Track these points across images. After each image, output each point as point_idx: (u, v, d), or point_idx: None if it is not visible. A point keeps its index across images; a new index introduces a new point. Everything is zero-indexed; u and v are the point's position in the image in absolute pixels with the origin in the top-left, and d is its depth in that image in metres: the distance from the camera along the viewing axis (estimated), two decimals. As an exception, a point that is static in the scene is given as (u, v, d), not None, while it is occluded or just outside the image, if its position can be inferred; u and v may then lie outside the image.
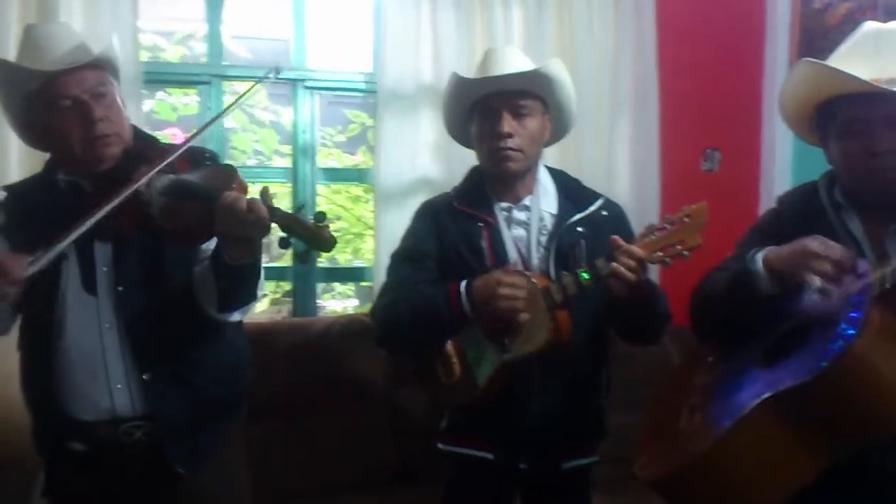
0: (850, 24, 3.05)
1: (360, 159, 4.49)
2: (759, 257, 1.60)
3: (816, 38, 3.28)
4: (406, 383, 2.30)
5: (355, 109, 4.54)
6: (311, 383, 2.74)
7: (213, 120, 1.94)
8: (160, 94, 4.07)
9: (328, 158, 4.39)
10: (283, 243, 1.61)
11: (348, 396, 2.78)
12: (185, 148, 1.75)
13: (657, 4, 3.20)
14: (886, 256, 1.60)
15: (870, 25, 1.73)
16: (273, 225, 1.60)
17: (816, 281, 1.48)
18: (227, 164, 1.93)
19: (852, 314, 1.44)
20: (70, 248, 1.74)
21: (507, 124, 1.95)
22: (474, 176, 2.12)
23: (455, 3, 2.99)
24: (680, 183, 3.24)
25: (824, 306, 1.49)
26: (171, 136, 3.71)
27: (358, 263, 4.24)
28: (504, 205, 2.04)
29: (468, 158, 2.16)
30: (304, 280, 3.16)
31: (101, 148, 1.74)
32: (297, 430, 2.71)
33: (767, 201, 3.23)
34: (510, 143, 1.96)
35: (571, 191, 2.09)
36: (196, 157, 1.81)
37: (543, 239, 2.00)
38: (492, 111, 1.98)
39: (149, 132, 2.02)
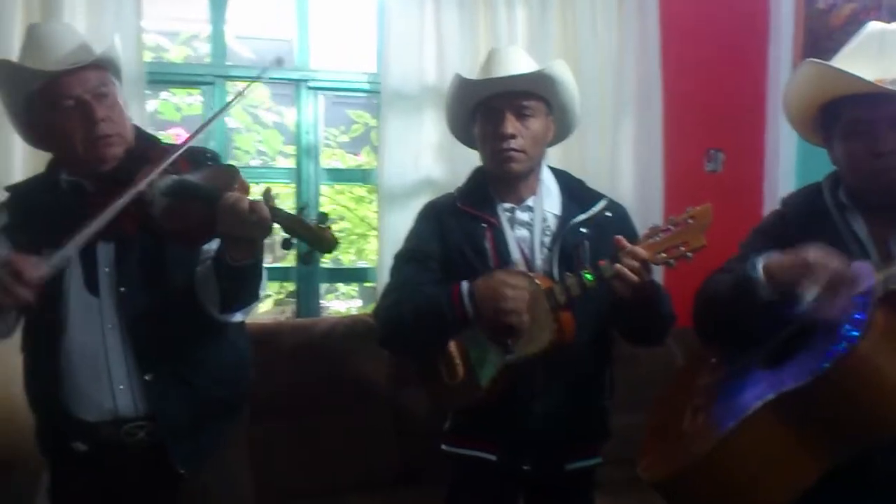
0: (854, 24, 3.03)
1: (363, 160, 4.49)
2: (760, 264, 1.60)
3: (821, 38, 3.27)
4: (409, 384, 2.30)
5: (359, 110, 4.54)
6: (314, 384, 2.74)
7: (219, 112, 1.94)
8: (164, 95, 4.07)
9: (332, 159, 4.39)
10: (286, 244, 1.61)
11: (352, 397, 2.78)
12: (185, 148, 1.74)
13: (661, 4, 3.19)
14: (891, 257, 1.60)
15: (874, 26, 1.73)
16: (276, 225, 1.60)
17: (811, 292, 1.48)
18: (228, 165, 1.93)
19: (856, 315, 1.43)
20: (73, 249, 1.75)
21: (511, 125, 1.95)
22: (477, 177, 2.12)
23: (459, 3, 2.98)
24: (683, 184, 3.24)
25: (823, 314, 1.48)
26: (175, 136, 3.70)
27: (361, 264, 4.24)
28: (507, 205, 2.04)
29: (472, 159, 2.16)
30: (307, 280, 3.16)
31: (104, 148, 1.74)
32: (300, 430, 2.71)
33: (771, 202, 3.23)
34: (513, 143, 1.96)
35: (575, 191, 2.09)
36: (197, 157, 1.81)
37: (547, 240, 2.00)
38: (495, 112, 1.97)
39: (152, 132, 2.02)
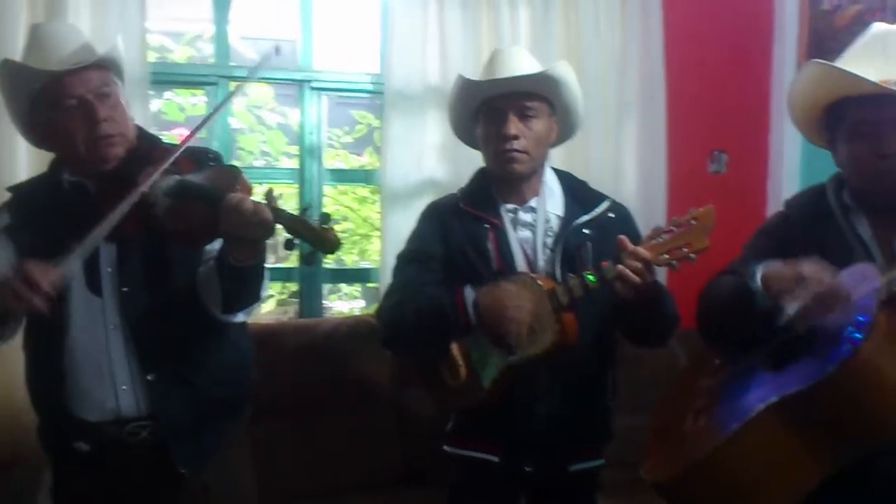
0: (859, 25, 3.03)
1: (366, 160, 4.49)
2: (759, 273, 1.59)
3: (825, 39, 3.26)
4: (412, 385, 2.30)
5: (362, 110, 4.54)
6: (317, 384, 2.74)
7: (219, 107, 1.94)
8: (168, 95, 4.08)
9: (335, 159, 4.39)
10: (289, 245, 1.61)
11: (354, 397, 2.78)
12: (186, 146, 1.74)
13: (664, 5, 3.19)
14: (895, 259, 1.59)
15: (879, 27, 1.73)
16: (279, 226, 1.60)
17: (792, 306, 1.47)
18: (231, 165, 1.93)
19: (860, 318, 1.43)
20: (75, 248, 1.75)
21: (513, 126, 1.95)
22: (480, 177, 2.11)
23: (462, 3, 2.98)
24: (687, 185, 3.23)
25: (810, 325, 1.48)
26: (179, 136, 3.70)
27: (364, 264, 4.24)
28: (510, 206, 2.03)
29: (475, 160, 2.16)
30: (310, 281, 3.16)
31: (106, 148, 1.74)
32: (303, 430, 2.70)
33: (775, 204, 3.22)
34: (516, 144, 1.95)
35: (578, 193, 2.08)
36: (200, 157, 1.81)
37: (549, 241, 1.99)
38: (498, 113, 1.97)
39: (156, 132, 2.02)
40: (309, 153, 3.11)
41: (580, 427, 1.99)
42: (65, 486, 1.90)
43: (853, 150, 1.67)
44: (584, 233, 1.98)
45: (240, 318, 1.89)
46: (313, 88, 3.09)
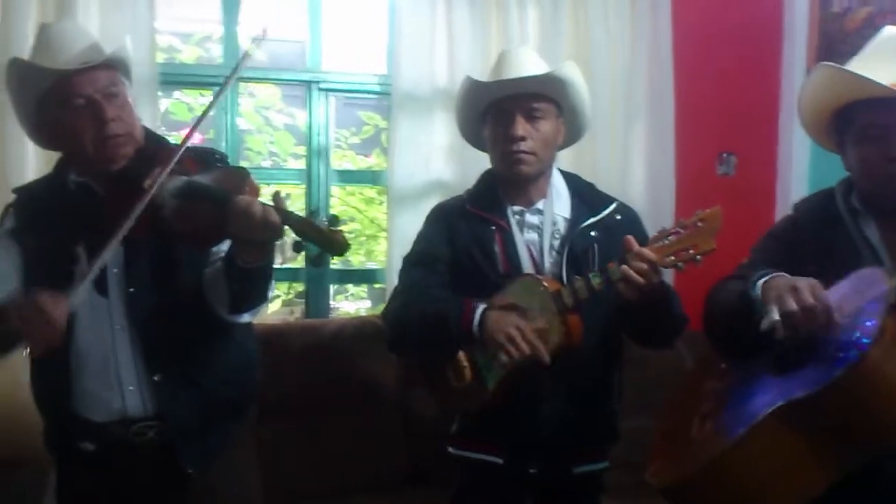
0: (869, 28, 3.03)
1: (373, 161, 4.49)
2: (761, 282, 1.59)
3: (835, 42, 3.25)
4: (418, 386, 2.30)
5: (369, 111, 4.55)
6: (323, 385, 2.74)
7: (215, 100, 1.90)
8: (177, 95, 4.09)
9: (342, 160, 4.40)
10: (297, 247, 1.61)
11: (360, 398, 2.78)
12: (189, 147, 1.74)
13: (673, 6, 3.18)
14: (903, 263, 1.58)
15: (890, 30, 1.72)
16: (287, 228, 1.60)
17: (774, 314, 1.47)
18: (239, 167, 1.94)
19: (867, 323, 1.42)
20: (81, 249, 1.75)
21: (521, 127, 1.95)
22: (487, 179, 2.11)
23: (470, 3, 2.98)
24: (695, 187, 3.22)
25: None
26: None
27: (371, 265, 4.24)
28: (517, 208, 2.03)
29: (482, 161, 2.15)
30: (317, 281, 3.16)
31: (113, 148, 1.74)
32: (308, 431, 2.71)
33: (784, 207, 3.20)
34: (523, 146, 1.95)
35: (585, 195, 2.08)
36: (206, 158, 1.81)
37: (556, 243, 1.99)
38: (505, 114, 1.97)
39: (165, 132, 2.02)
40: (316, 154, 3.11)
41: (585, 429, 1.99)
42: (70, 487, 1.90)
43: (862, 153, 1.66)
44: (590, 235, 1.98)
45: (246, 318, 1.90)
46: (321, 89, 3.09)
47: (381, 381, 2.78)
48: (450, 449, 2.08)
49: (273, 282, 1.85)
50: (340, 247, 1.57)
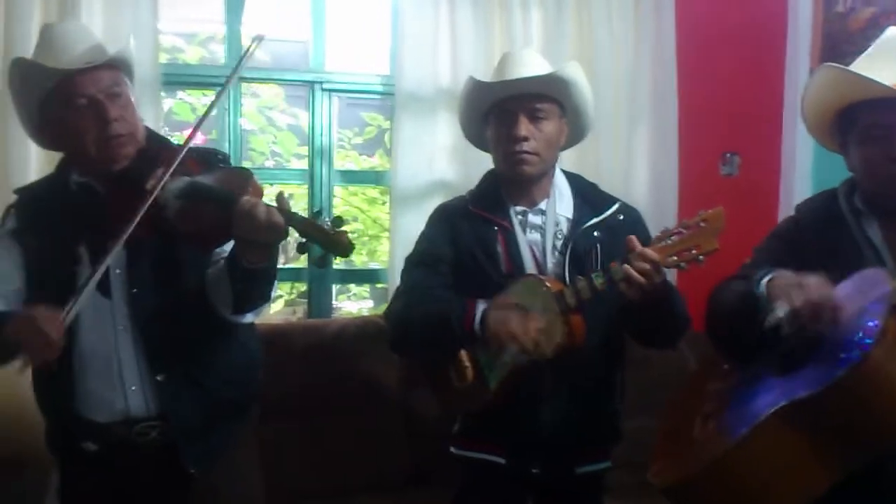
0: (873, 28, 3.02)
1: (376, 161, 4.49)
2: (765, 280, 1.59)
3: (839, 42, 3.24)
4: (420, 386, 2.30)
5: (372, 112, 4.55)
6: (325, 385, 2.74)
7: (216, 100, 1.91)
8: (180, 95, 4.09)
9: (345, 160, 4.40)
10: (302, 248, 1.61)
11: (362, 398, 2.78)
12: (191, 147, 1.74)
13: (677, 6, 3.18)
14: (906, 264, 1.58)
15: (893, 30, 1.72)
16: (291, 229, 1.60)
17: (782, 309, 1.47)
18: (242, 167, 1.94)
19: (870, 323, 1.42)
20: (83, 250, 1.75)
21: (524, 128, 1.95)
22: (490, 180, 2.11)
23: (473, 4, 2.98)
24: (699, 187, 3.22)
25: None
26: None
27: (373, 265, 4.25)
28: (520, 209, 2.03)
29: (485, 162, 2.15)
30: (319, 281, 3.16)
31: (116, 148, 1.74)
32: (311, 431, 2.70)
33: (787, 207, 3.20)
34: (526, 146, 1.95)
35: (588, 195, 2.08)
36: (208, 158, 1.81)
37: (559, 243, 1.99)
38: (508, 114, 1.97)
39: (168, 132, 2.02)
40: (319, 154, 3.11)
41: (588, 429, 1.99)
42: (72, 487, 1.90)
43: (865, 153, 1.66)
44: (593, 235, 1.98)
45: (249, 318, 1.90)
46: (324, 90, 3.09)
47: (383, 381, 2.78)
48: (452, 449, 2.08)
49: (276, 282, 1.84)
50: (344, 248, 1.57)
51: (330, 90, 3.11)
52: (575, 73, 2.01)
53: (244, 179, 1.67)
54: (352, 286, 4.66)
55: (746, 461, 1.49)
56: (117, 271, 1.77)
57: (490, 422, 1.98)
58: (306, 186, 3.16)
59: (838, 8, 3.27)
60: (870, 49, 1.73)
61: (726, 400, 1.65)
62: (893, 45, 1.71)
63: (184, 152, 1.71)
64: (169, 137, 2.14)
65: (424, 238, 2.10)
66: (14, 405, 2.38)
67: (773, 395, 1.51)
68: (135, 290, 1.78)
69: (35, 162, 2.54)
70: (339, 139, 3.99)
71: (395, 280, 2.30)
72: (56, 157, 1.93)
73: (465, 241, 2.01)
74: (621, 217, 2.03)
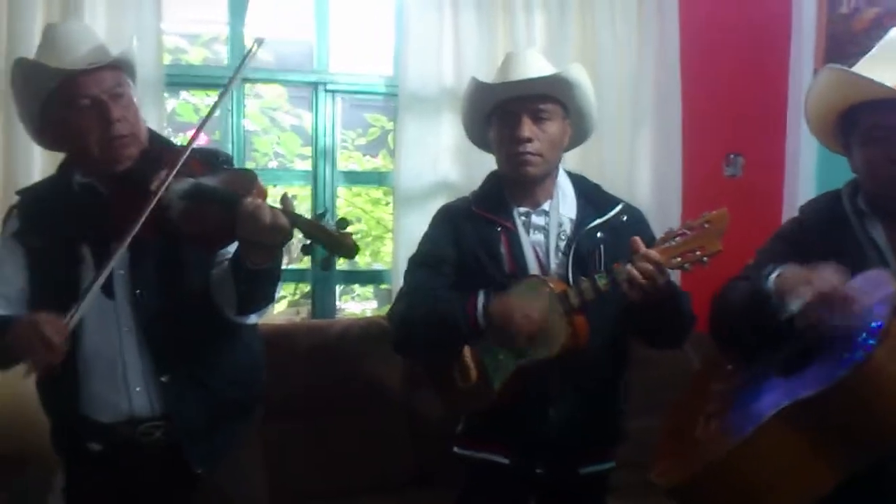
0: (877, 29, 3.02)
1: (380, 162, 4.50)
2: (774, 275, 1.59)
3: (843, 43, 3.24)
4: (424, 386, 2.31)
5: (375, 113, 4.55)
6: (328, 385, 2.74)
7: (218, 101, 1.92)
8: (183, 95, 4.09)
9: (349, 161, 4.40)
10: (306, 250, 1.61)
11: (366, 399, 2.78)
12: (194, 149, 1.74)
13: (681, 8, 3.18)
14: (910, 265, 1.58)
15: (897, 32, 1.72)
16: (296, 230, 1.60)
17: (795, 303, 1.47)
18: (246, 169, 1.94)
19: (873, 324, 1.42)
20: (86, 251, 1.75)
21: (527, 129, 1.95)
22: (493, 180, 2.11)
23: (477, 6, 2.98)
24: (702, 188, 3.22)
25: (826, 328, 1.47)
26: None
27: (377, 266, 4.25)
28: (523, 210, 2.03)
29: (489, 163, 2.15)
30: (323, 282, 3.17)
31: (119, 148, 1.74)
32: (315, 431, 2.71)
33: (790, 208, 3.20)
34: (529, 147, 1.95)
35: (591, 196, 2.08)
36: (211, 159, 1.82)
37: (562, 244, 1.99)
38: (511, 115, 1.97)
39: (171, 133, 2.02)
40: (322, 155, 3.11)
41: (592, 430, 1.99)
42: (77, 487, 1.90)
43: (867, 154, 1.66)
44: (596, 236, 1.98)
45: (253, 319, 1.90)
46: (328, 91, 3.10)
47: (386, 382, 2.79)
48: (455, 449, 2.08)
49: (280, 282, 1.85)
50: (349, 250, 1.57)
51: (333, 91, 3.11)
52: (578, 74, 2.01)
53: (248, 181, 1.68)
54: (355, 287, 4.66)
55: (749, 461, 1.49)
56: (121, 272, 1.77)
57: (494, 422, 1.98)
58: (309, 187, 3.17)
59: (842, 9, 3.26)
60: (873, 50, 1.73)
61: (730, 400, 1.65)
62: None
63: (187, 153, 1.71)
64: (172, 138, 2.14)
65: (427, 239, 2.10)
66: (17, 403, 2.39)
67: (776, 395, 1.51)
68: (138, 292, 1.78)
69: (39, 163, 2.54)
70: (342, 140, 3.99)
71: (399, 281, 2.30)
72: (61, 157, 1.93)
73: (469, 242, 2.01)
74: (624, 218, 2.03)
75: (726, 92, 3.34)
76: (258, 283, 1.73)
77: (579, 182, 2.11)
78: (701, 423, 1.67)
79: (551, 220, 2.02)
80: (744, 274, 1.80)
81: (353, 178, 3.81)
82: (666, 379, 2.37)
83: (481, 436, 2.03)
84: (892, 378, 1.39)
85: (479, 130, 2.11)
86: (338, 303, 3.78)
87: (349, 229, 1.58)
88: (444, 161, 2.99)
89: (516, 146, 1.96)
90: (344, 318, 3.61)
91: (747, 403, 1.58)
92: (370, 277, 4.04)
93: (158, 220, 1.67)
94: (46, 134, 1.84)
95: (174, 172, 1.68)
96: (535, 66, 2.01)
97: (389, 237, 3.61)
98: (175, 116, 4.00)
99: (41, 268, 1.79)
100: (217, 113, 1.92)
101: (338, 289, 3.65)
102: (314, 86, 3.10)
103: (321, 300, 3.18)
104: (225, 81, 2.98)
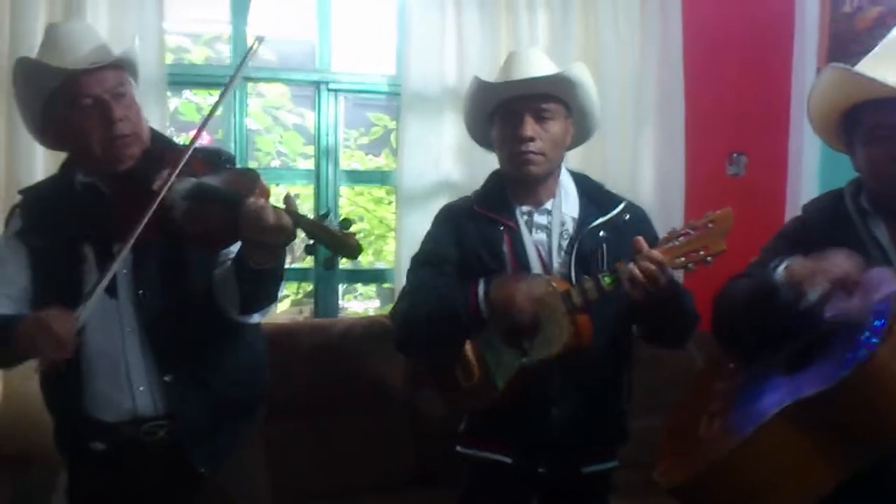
0: (880, 28, 3.01)
1: (382, 161, 4.50)
2: (782, 267, 1.59)
3: (846, 41, 3.23)
4: (426, 385, 2.31)
5: (378, 112, 4.55)
6: (331, 384, 2.74)
7: (218, 102, 1.92)
8: (186, 94, 4.10)
9: (351, 160, 4.41)
10: (309, 250, 1.61)
11: (369, 398, 2.78)
12: (196, 148, 1.75)
13: (683, 7, 3.17)
14: (912, 264, 1.58)
15: (900, 30, 1.72)
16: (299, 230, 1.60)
17: (814, 291, 1.47)
18: (248, 168, 1.94)
19: (875, 323, 1.42)
20: (89, 250, 1.75)
21: (530, 128, 1.94)
22: (495, 180, 2.11)
23: (479, 5, 2.98)
24: (705, 187, 3.21)
25: (840, 316, 1.47)
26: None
27: (380, 265, 4.25)
28: (525, 209, 2.03)
29: (491, 162, 2.15)
30: (326, 281, 3.17)
31: (121, 148, 1.74)
32: (317, 430, 2.71)
33: (794, 207, 3.19)
34: (532, 146, 1.95)
35: (594, 194, 2.08)
36: (213, 159, 1.81)
37: (565, 243, 1.99)
38: (514, 115, 1.97)
39: (173, 132, 2.02)
40: (325, 154, 3.11)
41: (594, 429, 1.99)
42: (80, 487, 1.91)
43: (870, 153, 1.66)
44: (599, 235, 1.97)
45: (256, 319, 1.90)
46: (330, 90, 3.10)
47: (389, 381, 2.79)
48: (458, 448, 2.08)
49: (283, 282, 1.85)
50: (353, 250, 1.57)
51: (336, 90, 3.12)
52: (581, 73, 2.01)
53: (251, 180, 1.68)
54: (358, 286, 4.66)
55: (752, 460, 1.49)
56: (124, 272, 1.77)
57: (497, 421, 1.98)
58: (312, 186, 3.17)
59: (845, 8, 3.26)
60: (876, 49, 1.73)
61: (732, 399, 1.65)
62: (898, 44, 1.71)
63: (189, 152, 1.71)
64: (175, 138, 2.14)
65: (430, 238, 2.10)
66: (20, 403, 2.40)
67: (779, 394, 1.51)
68: (141, 292, 1.78)
69: (42, 162, 2.54)
70: (345, 139, 3.99)
71: (402, 280, 2.30)
72: (63, 157, 1.93)
73: (471, 242, 2.01)
74: (627, 216, 2.03)
75: (729, 91, 3.34)
76: (261, 282, 1.73)
77: (582, 181, 2.11)
78: (704, 423, 1.67)
79: (554, 219, 2.01)
80: (746, 272, 1.80)
81: (356, 177, 3.81)
82: (669, 378, 2.38)
83: (484, 435, 2.03)
84: (895, 376, 1.39)
85: (481, 129, 2.11)
86: (340, 302, 3.79)
87: (352, 229, 1.58)
88: (447, 160, 2.99)
89: (519, 145, 1.96)
90: (347, 317, 3.61)
91: (750, 402, 1.58)
92: (373, 276, 4.04)
93: (161, 221, 1.67)
94: (48, 133, 1.84)
95: (176, 172, 1.68)
96: (538, 65, 2.01)
97: (392, 236, 3.60)
98: (177, 116, 4.01)
99: (43, 267, 1.80)
100: (220, 112, 1.92)
101: (340, 288, 3.66)
102: (317, 85, 3.10)
103: (324, 299, 3.19)
104: (226, 80, 3.00)
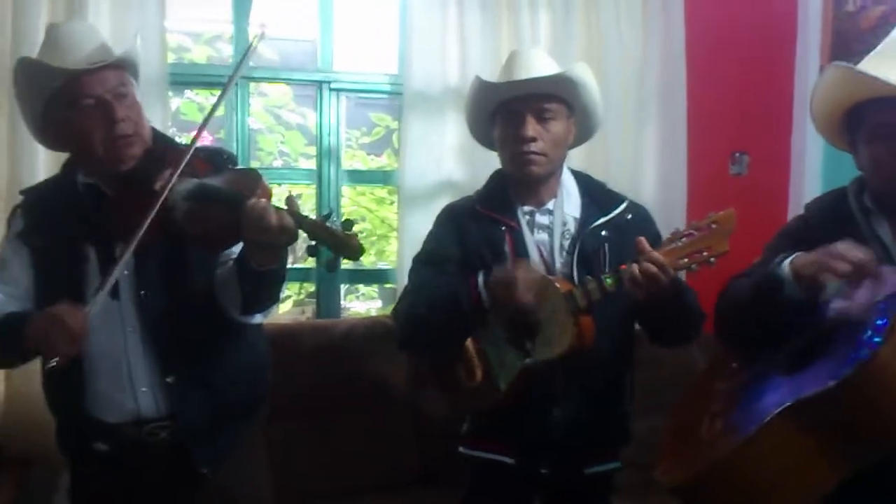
0: (884, 26, 3.00)
1: (384, 161, 4.49)
2: (787, 262, 1.58)
3: (849, 41, 3.23)
4: (429, 386, 2.30)
5: (380, 112, 4.55)
6: (333, 385, 2.74)
7: (219, 101, 1.92)
8: (187, 94, 4.09)
9: (353, 160, 4.40)
10: (312, 251, 1.60)
11: (371, 398, 2.78)
12: (197, 148, 1.75)
13: (686, 6, 3.16)
14: (915, 263, 1.58)
15: (903, 29, 1.71)
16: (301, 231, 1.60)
17: (832, 281, 1.46)
18: (250, 169, 1.93)
19: (878, 322, 1.42)
20: (90, 250, 1.75)
21: (531, 128, 1.94)
22: (497, 180, 2.11)
23: (482, 5, 2.97)
24: (708, 187, 3.20)
25: (848, 311, 1.47)
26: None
27: (382, 265, 4.24)
28: (527, 209, 2.03)
29: (493, 162, 2.15)
30: (328, 282, 3.17)
31: (123, 148, 1.74)
32: (320, 431, 2.71)
33: (796, 206, 3.18)
34: (534, 146, 1.95)
35: (596, 194, 2.07)
36: (214, 159, 1.81)
37: (566, 243, 1.99)
38: (515, 115, 1.96)
39: (175, 132, 2.02)
40: (327, 154, 3.11)
41: (597, 430, 1.99)
42: (83, 487, 1.91)
43: (872, 152, 1.66)
44: (601, 235, 1.97)
45: (258, 319, 1.90)
46: (332, 89, 3.10)
47: (391, 381, 2.78)
48: (460, 448, 2.08)
49: (285, 282, 1.84)
50: (355, 251, 1.56)
51: (338, 90, 3.11)
52: (583, 73, 2.01)
53: (253, 181, 1.67)
54: (360, 286, 4.66)
55: (754, 460, 1.49)
56: (125, 272, 1.77)
57: (499, 422, 1.98)
58: (314, 186, 3.16)
59: (848, 7, 3.25)
60: (879, 47, 1.73)
61: (734, 399, 1.65)
62: (901, 44, 1.70)
63: (191, 152, 1.71)
64: (177, 137, 2.14)
65: (432, 238, 2.10)
66: (23, 403, 2.40)
67: (780, 393, 1.51)
68: (143, 293, 1.78)
69: (44, 163, 2.54)
70: (346, 139, 3.98)
71: (404, 280, 2.30)
72: (65, 157, 1.93)
73: (473, 242, 2.01)
74: (629, 216, 2.03)
75: (732, 90, 3.33)
76: (263, 283, 1.73)
77: (584, 180, 2.10)
78: (706, 422, 1.66)
79: (555, 219, 2.01)
80: (749, 270, 1.80)
81: (358, 177, 3.80)
82: (671, 380, 2.36)
83: (486, 435, 2.03)
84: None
85: (483, 129, 2.11)
86: (342, 302, 3.78)
87: (354, 230, 1.57)
88: (449, 160, 2.98)
89: (520, 145, 1.96)
90: (349, 317, 3.61)
91: (751, 402, 1.58)
92: (375, 277, 4.03)
93: (163, 221, 1.67)
94: (50, 134, 1.83)
95: (178, 172, 1.67)
96: (540, 64, 2.00)
97: (394, 236, 3.60)
98: (179, 115, 4.00)
99: (45, 267, 1.80)
100: (221, 112, 1.92)
101: (343, 288, 3.65)
102: (319, 84, 3.09)
103: (326, 299, 3.18)
104: (229, 76, 3.00)
